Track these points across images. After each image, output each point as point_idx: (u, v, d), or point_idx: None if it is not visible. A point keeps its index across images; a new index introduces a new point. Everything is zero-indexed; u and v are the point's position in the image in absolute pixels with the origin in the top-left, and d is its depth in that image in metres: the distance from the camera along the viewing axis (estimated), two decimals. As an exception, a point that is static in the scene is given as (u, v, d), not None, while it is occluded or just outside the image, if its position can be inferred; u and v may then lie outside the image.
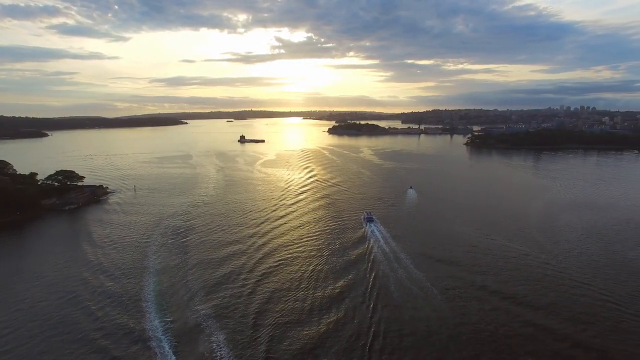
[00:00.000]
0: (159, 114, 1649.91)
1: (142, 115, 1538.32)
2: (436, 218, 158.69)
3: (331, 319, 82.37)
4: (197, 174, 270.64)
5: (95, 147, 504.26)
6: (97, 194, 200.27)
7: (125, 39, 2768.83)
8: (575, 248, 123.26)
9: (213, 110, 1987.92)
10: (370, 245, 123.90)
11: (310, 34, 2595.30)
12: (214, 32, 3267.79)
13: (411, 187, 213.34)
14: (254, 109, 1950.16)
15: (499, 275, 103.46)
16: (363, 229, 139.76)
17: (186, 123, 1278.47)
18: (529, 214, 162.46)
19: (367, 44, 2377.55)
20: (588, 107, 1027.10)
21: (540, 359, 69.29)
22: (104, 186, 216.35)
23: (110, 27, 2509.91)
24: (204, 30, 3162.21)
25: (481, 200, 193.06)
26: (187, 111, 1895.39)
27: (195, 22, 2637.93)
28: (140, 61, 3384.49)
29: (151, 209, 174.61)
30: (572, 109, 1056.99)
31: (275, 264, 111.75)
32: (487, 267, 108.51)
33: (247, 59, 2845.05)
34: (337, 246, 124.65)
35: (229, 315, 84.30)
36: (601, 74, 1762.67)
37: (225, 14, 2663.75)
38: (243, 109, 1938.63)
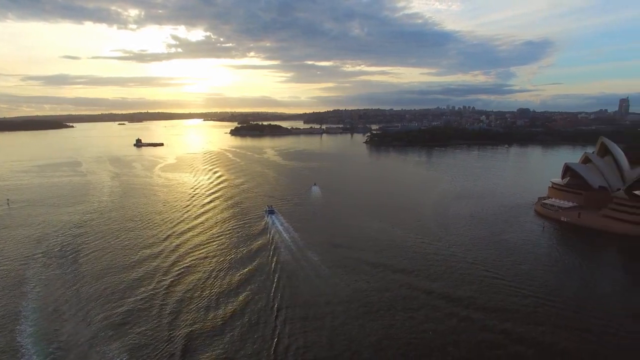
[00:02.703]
0: (38, 116, 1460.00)
1: (15, 117, 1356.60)
2: (339, 211, 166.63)
3: (241, 299, 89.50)
4: (88, 182, 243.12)
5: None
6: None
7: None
8: (463, 233, 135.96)
9: (104, 112, 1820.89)
10: (272, 234, 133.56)
11: (208, 33, 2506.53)
12: (102, 27, 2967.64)
13: (315, 184, 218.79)
14: (150, 111, 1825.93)
15: (393, 256, 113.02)
16: (265, 221, 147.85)
17: (72, 126, 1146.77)
18: (424, 205, 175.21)
19: (268, 44, 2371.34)
20: (469, 107, 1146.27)
21: (436, 324, 78.19)
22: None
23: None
24: (89, 24, 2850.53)
25: (381, 194, 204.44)
26: (73, 113, 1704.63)
27: (77, 14, 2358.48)
28: (9, 55, 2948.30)
29: (31, 224, 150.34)
30: (456, 108, 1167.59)
31: (184, 266, 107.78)
32: (382, 249, 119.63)
33: (141, 57, 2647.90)
34: (243, 239, 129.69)
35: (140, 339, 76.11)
36: (478, 78, 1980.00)
37: (113, 7, 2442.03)
38: (138, 111, 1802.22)
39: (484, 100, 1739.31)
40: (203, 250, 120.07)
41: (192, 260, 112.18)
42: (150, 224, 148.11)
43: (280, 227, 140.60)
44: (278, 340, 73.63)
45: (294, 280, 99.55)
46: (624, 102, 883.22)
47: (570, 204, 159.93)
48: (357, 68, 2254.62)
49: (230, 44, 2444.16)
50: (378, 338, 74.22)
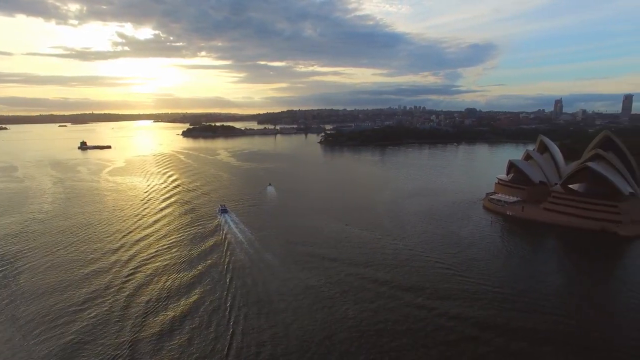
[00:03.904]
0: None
1: None
2: (294, 210, 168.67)
3: (194, 300, 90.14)
4: (26, 188, 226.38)
5: None
6: None
7: None
8: (416, 229, 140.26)
9: (44, 113, 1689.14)
10: (225, 233, 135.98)
11: (157, 32, 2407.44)
12: (38, 22, 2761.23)
13: (270, 184, 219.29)
14: (96, 112, 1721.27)
15: (348, 252, 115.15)
16: (218, 221, 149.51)
17: (6, 128, 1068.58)
18: (378, 203, 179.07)
19: (219, 44, 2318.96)
20: (420, 107, 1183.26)
21: (390, 314, 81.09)
22: None
23: None
24: (22, 18, 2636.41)
25: (336, 193, 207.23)
26: (6, 114, 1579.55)
27: (8, 5, 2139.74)
28: None
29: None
30: (407, 108, 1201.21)
31: (136, 272, 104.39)
32: (336, 246, 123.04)
33: (85, 55, 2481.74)
34: (196, 241, 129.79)
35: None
36: (427, 78, 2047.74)
37: (50, 0, 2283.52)
38: (83, 112, 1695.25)
39: (434, 100, 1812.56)
40: (155, 255, 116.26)
41: (144, 266, 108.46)
42: (99, 232, 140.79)
43: (233, 226, 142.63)
44: (232, 340, 73.55)
45: (247, 277, 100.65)
46: (559, 102, 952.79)
47: (515, 198, 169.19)
48: (310, 68, 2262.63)
49: (181, 43, 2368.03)
50: (333, 331, 76.02)
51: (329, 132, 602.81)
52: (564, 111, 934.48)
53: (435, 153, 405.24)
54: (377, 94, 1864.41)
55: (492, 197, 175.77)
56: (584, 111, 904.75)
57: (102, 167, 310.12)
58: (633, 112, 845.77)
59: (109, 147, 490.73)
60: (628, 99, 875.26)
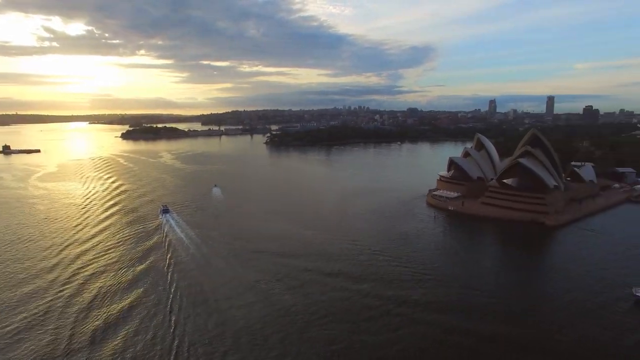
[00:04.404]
0: None
1: None
2: (241, 210, 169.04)
3: (139, 291, 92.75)
4: None
5: None
6: None
7: None
8: (364, 226, 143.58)
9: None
10: (166, 232, 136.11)
11: (90, 27, 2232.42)
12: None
13: (216, 185, 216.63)
14: (21, 113, 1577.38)
15: (295, 250, 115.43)
16: (159, 221, 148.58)
17: None
18: (326, 202, 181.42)
19: (159, 42, 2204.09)
20: (364, 107, 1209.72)
21: (337, 303, 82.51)
22: None
23: None
24: None
25: (284, 193, 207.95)
26: None
27: None
28: None
29: None
30: (352, 108, 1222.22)
31: (74, 282, 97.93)
32: (283, 245, 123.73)
33: (4, 50, 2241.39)
34: (138, 243, 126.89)
35: None
36: (370, 79, 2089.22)
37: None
38: (4, 113, 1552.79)
39: (377, 100, 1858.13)
40: (95, 266, 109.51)
41: (82, 274, 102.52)
42: (31, 248, 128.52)
43: (175, 225, 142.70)
44: (173, 342, 72.16)
45: (190, 278, 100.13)
46: (492, 102, 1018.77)
47: (455, 194, 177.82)
48: (255, 68, 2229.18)
49: (118, 41, 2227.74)
50: (282, 326, 76.77)
51: (275, 132, 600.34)
52: (497, 111, 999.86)
53: (380, 152, 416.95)
54: (323, 94, 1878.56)
55: (435, 193, 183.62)
56: (515, 111, 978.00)
57: (31, 173, 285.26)
58: (555, 112, 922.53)
59: (37, 150, 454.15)
60: (551, 100, 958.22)
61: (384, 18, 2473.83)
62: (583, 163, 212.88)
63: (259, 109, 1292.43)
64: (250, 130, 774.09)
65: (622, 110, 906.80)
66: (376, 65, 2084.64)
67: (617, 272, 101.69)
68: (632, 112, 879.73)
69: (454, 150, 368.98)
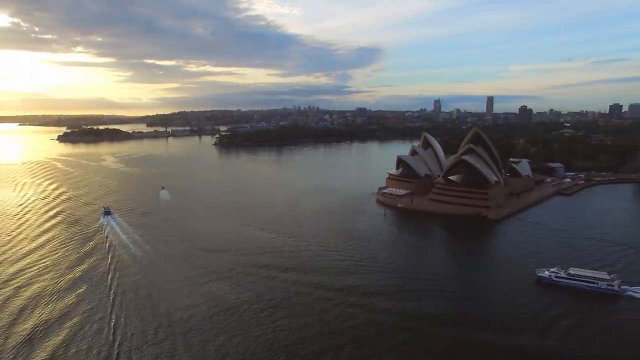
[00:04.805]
0: None
1: None
2: (190, 212, 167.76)
3: (76, 297, 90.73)
4: None
5: None
6: None
7: None
8: (315, 225, 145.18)
9: None
10: (107, 233, 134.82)
11: (16, 19, 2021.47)
12: None
13: (163, 188, 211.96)
14: None
15: (245, 250, 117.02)
16: (100, 224, 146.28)
17: None
18: (278, 203, 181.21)
19: (99, 39, 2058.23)
20: (314, 107, 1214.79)
21: (307, 305, 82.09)
22: None
23: None
24: None
25: (234, 194, 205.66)
26: None
27: None
28: None
29: None
30: (302, 108, 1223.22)
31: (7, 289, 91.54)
32: (232, 245, 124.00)
33: None
34: (78, 249, 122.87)
35: None
36: (320, 79, 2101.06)
37: None
38: None
39: (327, 100, 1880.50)
40: (27, 272, 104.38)
41: (12, 285, 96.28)
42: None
43: (117, 228, 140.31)
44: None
45: (133, 281, 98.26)
46: (437, 102, 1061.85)
47: (404, 191, 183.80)
48: (202, 68, 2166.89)
49: (50, 36, 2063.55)
50: (237, 331, 75.57)
51: (224, 133, 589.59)
52: (442, 110, 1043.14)
53: (331, 152, 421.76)
54: (272, 94, 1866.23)
55: (384, 191, 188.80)
56: (458, 110, 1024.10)
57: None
58: (494, 111, 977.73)
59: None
60: (490, 100, 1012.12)
61: (332, 19, 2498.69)
62: (520, 159, 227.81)
63: (207, 109, 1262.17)
64: (199, 131, 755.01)
65: (551, 110, 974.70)
66: (325, 66, 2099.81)
67: (541, 256, 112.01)
68: (560, 112, 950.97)
69: (402, 148, 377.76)
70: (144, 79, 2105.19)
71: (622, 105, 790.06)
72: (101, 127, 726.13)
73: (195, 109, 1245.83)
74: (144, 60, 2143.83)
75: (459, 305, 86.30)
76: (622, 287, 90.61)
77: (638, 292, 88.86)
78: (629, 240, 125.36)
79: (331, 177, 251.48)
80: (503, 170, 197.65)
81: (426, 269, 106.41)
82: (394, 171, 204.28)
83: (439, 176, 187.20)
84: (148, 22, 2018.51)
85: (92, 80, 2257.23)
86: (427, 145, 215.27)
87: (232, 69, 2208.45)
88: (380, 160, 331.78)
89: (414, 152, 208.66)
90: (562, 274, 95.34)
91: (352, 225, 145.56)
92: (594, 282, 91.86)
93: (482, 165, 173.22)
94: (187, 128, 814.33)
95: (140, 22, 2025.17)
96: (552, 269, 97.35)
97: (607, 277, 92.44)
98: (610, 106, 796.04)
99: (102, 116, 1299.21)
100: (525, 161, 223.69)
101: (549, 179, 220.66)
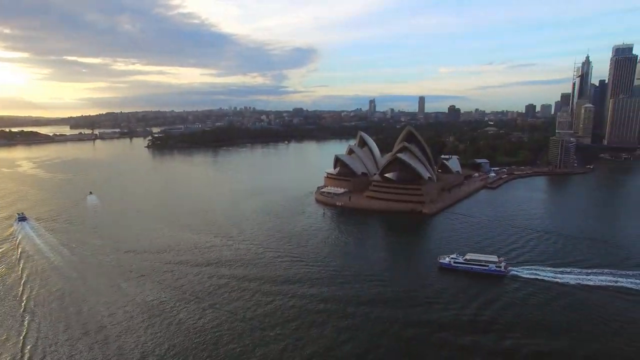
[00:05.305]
0: None
1: None
2: (121, 217, 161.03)
3: None
4: None
5: None
6: None
7: None
8: (255, 227, 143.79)
9: None
10: (19, 239, 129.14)
11: None
12: None
13: (91, 193, 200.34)
14: None
15: (180, 254, 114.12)
16: (13, 229, 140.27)
17: None
18: (216, 205, 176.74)
19: (8, 31, 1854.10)
20: (250, 107, 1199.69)
21: (227, 298, 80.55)
22: None
23: None
24: None
25: (170, 198, 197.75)
26: None
27: None
28: None
29: None
30: (238, 108, 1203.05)
31: None
32: (168, 250, 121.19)
33: None
34: None
35: None
36: (256, 79, 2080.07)
37: None
38: None
39: (263, 100, 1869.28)
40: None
41: None
42: None
43: (32, 233, 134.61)
44: None
45: (48, 288, 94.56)
46: (372, 102, 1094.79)
47: (343, 190, 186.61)
48: (132, 67, 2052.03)
49: None
50: (177, 339, 73.05)
51: (157, 135, 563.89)
52: (377, 110, 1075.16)
53: (268, 152, 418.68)
54: (207, 94, 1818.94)
55: (323, 190, 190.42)
56: (392, 110, 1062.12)
57: None
58: (426, 111, 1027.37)
59: None
60: (422, 100, 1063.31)
61: (267, 19, 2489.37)
62: (450, 156, 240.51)
63: (139, 110, 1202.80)
64: (130, 133, 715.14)
65: (477, 110, 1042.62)
66: (261, 66, 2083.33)
67: (463, 245, 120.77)
68: (484, 111, 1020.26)
69: (339, 147, 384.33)
70: (66, 77, 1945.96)
71: (535, 106, 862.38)
72: (15, 130, 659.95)
73: (126, 110, 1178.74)
74: (64, 57, 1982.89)
75: (376, 287, 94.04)
76: (508, 268, 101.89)
77: (521, 272, 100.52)
78: (544, 227, 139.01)
79: (269, 177, 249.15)
80: (435, 167, 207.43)
81: (356, 260, 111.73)
82: (331, 170, 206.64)
83: (375, 174, 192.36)
84: (69, 16, 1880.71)
85: (5, 77, 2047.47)
86: (363, 144, 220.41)
87: (164, 68, 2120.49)
88: (318, 159, 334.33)
89: (350, 151, 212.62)
90: (460, 260, 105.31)
91: (292, 225, 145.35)
92: (485, 265, 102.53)
93: (415, 162, 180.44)
94: (117, 130, 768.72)
95: (57, 15, 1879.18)
96: (451, 255, 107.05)
97: (497, 259, 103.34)
98: (526, 106, 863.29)
99: (17, 117, 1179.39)
100: (455, 158, 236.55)
101: (476, 174, 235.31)
